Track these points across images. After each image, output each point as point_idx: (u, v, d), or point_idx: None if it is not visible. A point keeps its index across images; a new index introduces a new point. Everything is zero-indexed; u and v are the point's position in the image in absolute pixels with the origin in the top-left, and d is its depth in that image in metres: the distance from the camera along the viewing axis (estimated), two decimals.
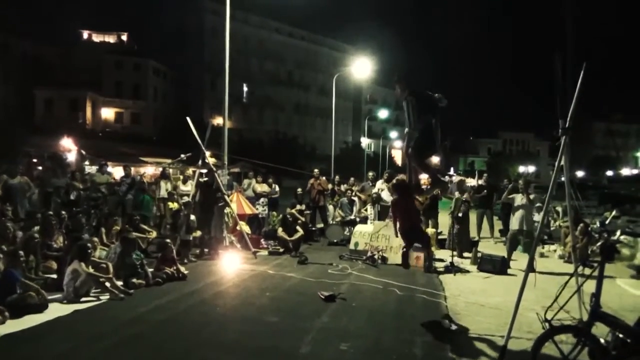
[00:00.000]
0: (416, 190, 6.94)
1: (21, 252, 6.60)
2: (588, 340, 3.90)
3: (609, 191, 29.07)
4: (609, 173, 66.27)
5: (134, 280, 7.23)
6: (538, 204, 10.65)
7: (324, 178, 15.02)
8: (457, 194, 11.86)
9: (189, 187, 11.90)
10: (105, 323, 5.59)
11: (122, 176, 13.35)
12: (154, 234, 10.46)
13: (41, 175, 11.73)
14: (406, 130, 6.04)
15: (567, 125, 5.18)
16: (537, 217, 13.91)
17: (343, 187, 15.20)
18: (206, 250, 10.28)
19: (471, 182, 16.90)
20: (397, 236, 6.66)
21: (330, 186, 15.32)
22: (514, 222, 9.96)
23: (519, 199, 9.98)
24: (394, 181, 7.30)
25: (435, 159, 6.59)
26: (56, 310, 5.97)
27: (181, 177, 13.53)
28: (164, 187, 12.86)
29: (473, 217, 13.84)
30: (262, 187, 14.50)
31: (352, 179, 16.30)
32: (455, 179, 13.86)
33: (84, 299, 6.46)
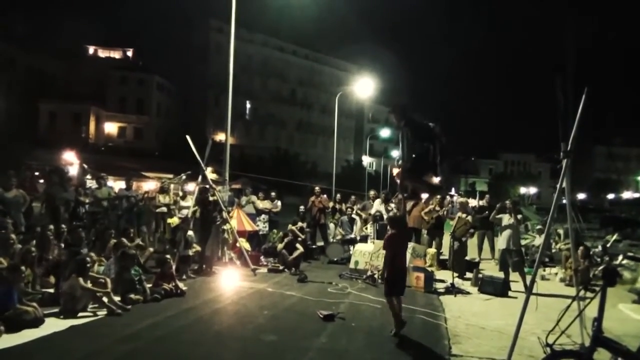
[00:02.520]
0: (414, 196, 7.02)
1: (23, 268, 6.56)
2: None
3: (610, 214, 29.05)
4: (610, 196, 66.23)
5: (132, 295, 7.17)
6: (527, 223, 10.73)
7: (324, 196, 15.01)
8: (459, 214, 11.81)
9: (188, 203, 11.88)
10: (102, 339, 5.53)
11: (121, 188, 13.35)
12: (148, 252, 10.33)
13: (49, 190, 11.71)
14: (399, 161, 6.22)
15: (568, 149, 5.19)
16: (538, 240, 13.89)
17: (344, 206, 15.18)
18: (204, 266, 10.23)
19: (472, 202, 16.87)
20: (380, 280, 6.60)
21: (331, 204, 15.30)
22: (501, 242, 10.02)
23: (506, 219, 10.03)
24: (391, 215, 7.32)
25: (435, 180, 6.69)
26: (52, 325, 5.91)
27: (181, 192, 13.51)
28: (162, 201, 12.84)
29: (474, 237, 13.79)
30: (264, 204, 14.48)
31: (353, 197, 16.29)
32: (457, 199, 13.82)
33: (80, 314, 6.41)
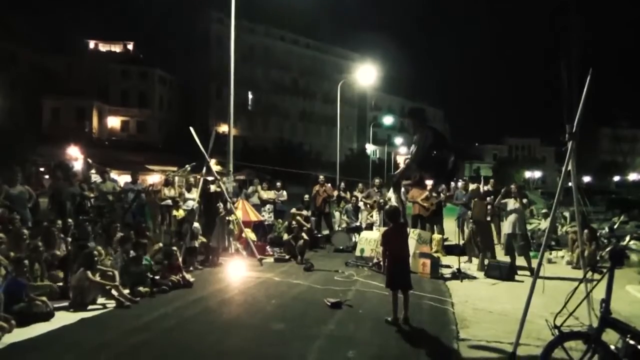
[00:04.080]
0: (419, 184, 7.03)
1: (26, 262, 6.60)
2: (598, 347, 3.85)
3: (616, 197, 28.94)
4: (616, 178, 65.88)
5: (140, 288, 7.23)
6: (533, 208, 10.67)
7: (329, 185, 15.00)
8: (474, 200, 11.60)
9: (194, 195, 11.91)
10: (111, 331, 5.58)
11: (127, 182, 13.40)
12: (158, 246, 10.35)
13: (55, 185, 11.76)
14: (407, 161, 6.29)
15: (573, 131, 5.16)
16: (544, 224, 13.86)
17: (348, 194, 15.18)
18: (210, 257, 10.28)
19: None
20: (382, 271, 6.53)
21: (335, 193, 15.30)
22: (507, 227, 10.00)
23: (512, 204, 10.01)
24: (388, 208, 7.26)
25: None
26: (62, 318, 5.97)
27: (185, 186, 13.57)
28: (167, 194, 12.88)
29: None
30: (268, 194, 14.50)
31: (360, 185, 16.29)
32: (461, 184, 13.73)
33: (90, 307, 6.47)
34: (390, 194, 13.05)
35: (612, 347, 3.80)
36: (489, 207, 11.36)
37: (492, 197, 13.44)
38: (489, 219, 11.03)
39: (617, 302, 4.19)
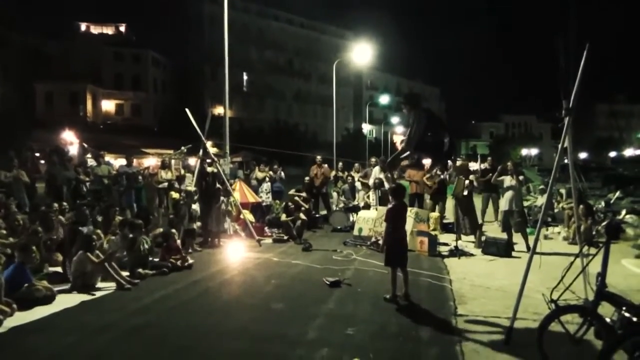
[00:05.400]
0: (417, 165, 7.09)
1: (34, 247, 6.62)
2: (594, 320, 3.91)
3: (612, 172, 29.02)
4: (612, 154, 66.05)
5: (140, 270, 7.26)
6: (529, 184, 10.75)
7: (326, 166, 14.97)
8: (458, 177, 11.76)
9: (192, 177, 11.91)
10: (112, 313, 5.62)
11: (121, 165, 13.37)
12: (157, 230, 10.36)
13: (50, 170, 11.74)
14: (402, 145, 6.32)
15: (570, 106, 5.14)
16: (541, 200, 13.93)
17: (345, 174, 15.18)
18: (209, 239, 10.30)
19: (474, 166, 16.84)
20: (382, 251, 6.58)
21: (333, 173, 15.29)
22: (504, 203, 10.04)
23: (508, 181, 10.05)
24: (392, 185, 7.31)
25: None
26: (63, 301, 6.00)
27: (182, 169, 13.56)
28: (164, 177, 12.86)
29: (478, 201, 13.82)
30: (263, 174, 14.49)
31: (356, 164, 16.28)
32: (459, 163, 13.79)
33: (90, 290, 6.49)
34: (379, 174, 13.04)
35: (608, 319, 3.86)
36: (473, 183, 11.48)
37: (489, 174, 13.49)
38: (465, 193, 11.08)
39: (612, 276, 4.24)
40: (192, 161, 13.98)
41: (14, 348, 4.65)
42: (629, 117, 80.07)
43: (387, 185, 12.29)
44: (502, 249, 9.23)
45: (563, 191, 15.27)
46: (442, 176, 12.49)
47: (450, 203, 12.78)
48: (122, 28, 59.32)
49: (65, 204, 9.76)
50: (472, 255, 9.37)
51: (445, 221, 12.58)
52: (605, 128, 75.97)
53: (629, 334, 3.55)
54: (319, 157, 15.11)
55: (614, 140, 70.41)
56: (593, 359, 3.62)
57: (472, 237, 10.74)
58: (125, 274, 6.99)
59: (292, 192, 12.47)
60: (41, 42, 48.75)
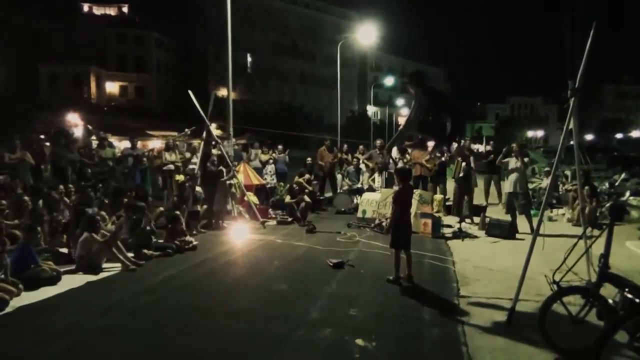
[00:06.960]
0: (421, 146, 7.06)
1: (39, 229, 6.66)
2: (596, 301, 3.91)
3: (618, 154, 28.84)
4: (619, 136, 65.47)
5: (145, 251, 7.32)
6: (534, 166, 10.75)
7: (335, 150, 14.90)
8: (457, 159, 11.76)
9: (194, 159, 11.92)
10: (118, 293, 5.68)
11: (125, 147, 13.39)
12: (158, 210, 10.41)
13: (56, 151, 11.77)
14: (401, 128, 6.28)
15: (576, 86, 5.08)
16: (546, 182, 13.88)
17: (350, 156, 15.16)
18: (213, 221, 10.34)
19: (479, 147, 16.77)
20: (387, 233, 6.59)
21: (339, 155, 15.29)
22: (508, 185, 10.03)
23: (513, 162, 10.01)
24: (400, 167, 7.33)
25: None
26: (68, 282, 6.06)
27: (187, 151, 13.55)
28: (169, 159, 12.88)
29: (481, 182, 13.80)
30: (268, 155, 14.49)
31: (360, 146, 16.24)
32: (464, 144, 13.74)
33: (95, 270, 6.55)
34: (395, 155, 13.05)
35: (610, 300, 3.86)
36: (471, 164, 11.49)
37: (492, 156, 13.45)
38: (462, 174, 11.08)
39: (616, 257, 4.23)
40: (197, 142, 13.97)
41: (21, 327, 4.71)
42: (636, 98, 79.21)
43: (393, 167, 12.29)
44: (506, 231, 9.23)
45: (568, 173, 15.21)
46: (442, 158, 12.47)
47: (450, 185, 12.81)
48: (125, 9, 58.88)
49: (71, 185, 9.79)
50: (475, 237, 9.38)
51: (448, 203, 12.58)
52: (612, 109, 75.25)
53: (630, 314, 3.55)
54: (327, 141, 15.07)
55: (621, 122, 69.80)
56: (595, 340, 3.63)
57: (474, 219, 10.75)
58: (130, 255, 7.04)
59: (296, 178, 12.48)
60: (43, 23, 48.45)
